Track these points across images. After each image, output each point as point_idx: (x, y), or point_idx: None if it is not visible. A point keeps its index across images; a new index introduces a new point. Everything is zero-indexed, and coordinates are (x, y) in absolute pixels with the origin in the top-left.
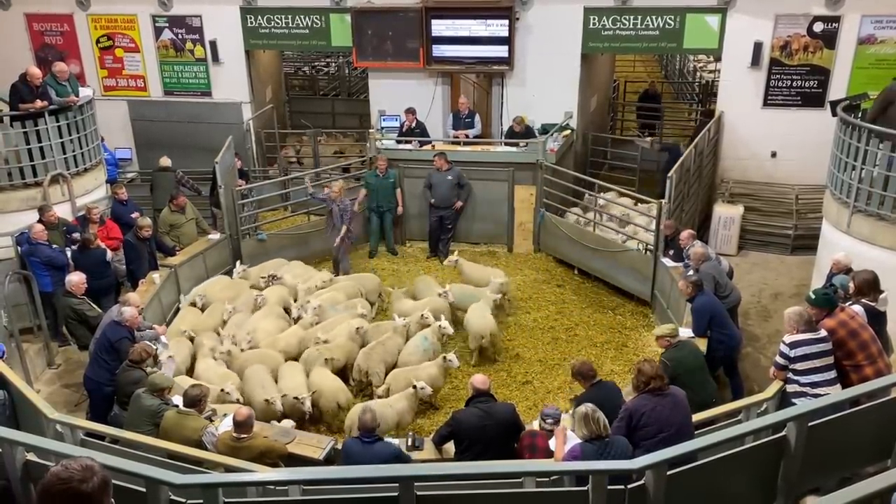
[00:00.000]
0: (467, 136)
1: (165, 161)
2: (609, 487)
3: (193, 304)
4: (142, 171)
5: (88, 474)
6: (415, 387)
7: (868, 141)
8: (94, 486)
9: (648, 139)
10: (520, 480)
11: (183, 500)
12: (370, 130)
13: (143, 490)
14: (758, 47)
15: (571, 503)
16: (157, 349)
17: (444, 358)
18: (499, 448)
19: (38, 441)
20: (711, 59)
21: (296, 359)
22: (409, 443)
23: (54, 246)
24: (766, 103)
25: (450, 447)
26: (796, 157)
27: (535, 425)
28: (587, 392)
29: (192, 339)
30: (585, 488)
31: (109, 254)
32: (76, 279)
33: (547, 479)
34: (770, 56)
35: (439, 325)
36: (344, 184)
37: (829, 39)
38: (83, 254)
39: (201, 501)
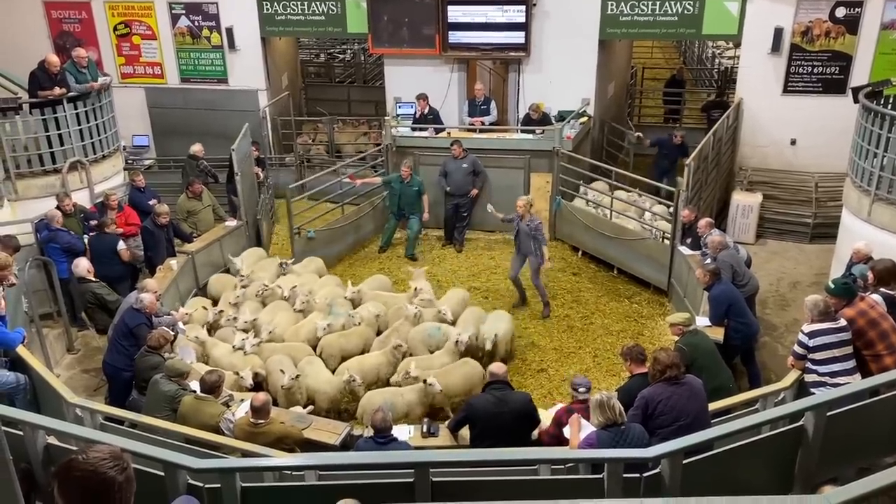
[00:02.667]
0: (483, 124)
1: (192, 148)
2: (624, 475)
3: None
4: (159, 157)
5: (120, 462)
6: (425, 381)
7: (890, 128)
8: (126, 475)
9: (637, 134)
10: (535, 468)
11: (200, 484)
12: (386, 118)
13: (162, 474)
14: (778, 33)
15: (587, 491)
16: (174, 335)
17: (456, 342)
18: (512, 437)
19: (59, 425)
20: (731, 44)
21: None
22: (425, 429)
23: (72, 233)
24: (786, 90)
25: (466, 434)
26: (816, 144)
27: (551, 413)
28: (634, 380)
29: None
30: (601, 476)
31: (121, 243)
32: (84, 264)
33: (562, 466)
34: (791, 42)
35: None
36: (530, 198)
37: (851, 25)
38: (97, 238)
39: (219, 485)
